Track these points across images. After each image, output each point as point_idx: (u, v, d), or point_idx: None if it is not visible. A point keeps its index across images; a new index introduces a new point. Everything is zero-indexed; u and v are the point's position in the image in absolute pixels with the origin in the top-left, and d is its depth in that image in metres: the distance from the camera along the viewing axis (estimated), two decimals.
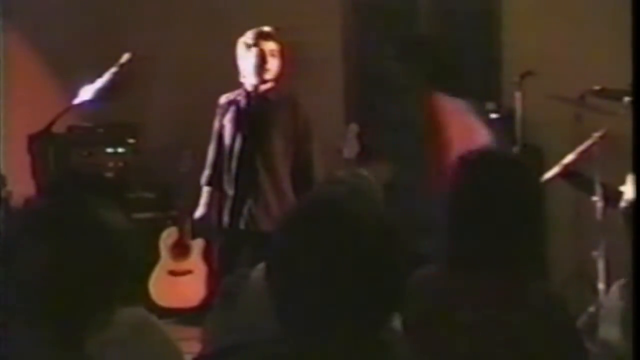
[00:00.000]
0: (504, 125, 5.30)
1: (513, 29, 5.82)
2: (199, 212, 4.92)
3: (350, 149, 5.35)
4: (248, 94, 4.74)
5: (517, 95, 5.19)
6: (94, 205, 1.80)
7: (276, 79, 4.73)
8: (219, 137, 4.79)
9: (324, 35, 6.19)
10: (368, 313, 1.52)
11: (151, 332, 2.01)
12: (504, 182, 2.14)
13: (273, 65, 4.71)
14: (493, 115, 5.52)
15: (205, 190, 4.89)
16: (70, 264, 1.72)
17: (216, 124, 4.80)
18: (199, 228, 5.36)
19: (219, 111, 4.80)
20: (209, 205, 4.85)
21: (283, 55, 4.74)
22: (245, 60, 4.71)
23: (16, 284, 1.72)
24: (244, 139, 4.67)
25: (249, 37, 4.72)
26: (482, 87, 5.95)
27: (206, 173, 4.87)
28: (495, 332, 2.05)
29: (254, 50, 4.68)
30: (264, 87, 4.71)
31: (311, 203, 1.63)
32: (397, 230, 1.57)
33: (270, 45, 4.71)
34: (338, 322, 1.51)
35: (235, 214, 4.69)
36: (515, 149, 5.07)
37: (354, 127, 5.45)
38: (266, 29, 4.76)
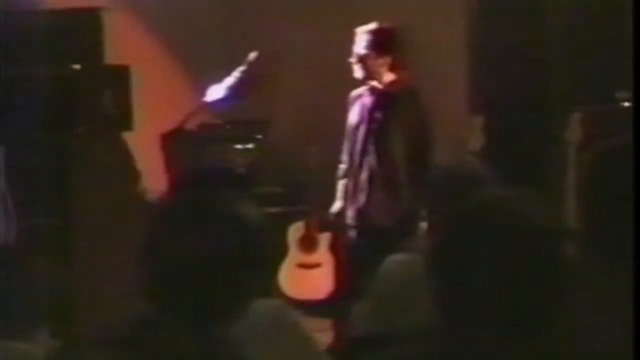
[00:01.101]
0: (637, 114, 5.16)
1: None
2: (335, 206, 4.96)
3: (476, 141, 5.33)
4: (372, 89, 4.78)
5: None
6: (229, 198, 1.85)
7: (399, 74, 4.75)
8: (349, 132, 4.86)
9: (449, 27, 6.16)
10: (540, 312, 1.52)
11: (290, 324, 2.06)
12: None
13: (393, 62, 4.73)
14: (624, 104, 5.40)
15: (341, 184, 4.94)
16: (208, 256, 1.77)
17: (348, 119, 4.87)
18: (327, 221, 5.42)
19: (349, 106, 4.87)
20: (345, 198, 4.90)
21: (406, 50, 4.75)
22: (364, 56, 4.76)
23: (159, 276, 1.80)
24: (366, 134, 4.72)
25: (368, 34, 4.75)
26: (613, 75, 5.81)
27: (341, 167, 4.93)
28: None
29: (357, 49, 4.73)
30: (387, 81, 4.74)
31: (485, 202, 1.64)
32: (560, 231, 1.57)
33: (374, 43, 4.73)
34: (508, 320, 1.51)
35: (356, 206, 4.74)
36: None
37: (479, 119, 5.43)
38: (384, 25, 4.78)
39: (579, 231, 1.76)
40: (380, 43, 4.73)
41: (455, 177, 2.60)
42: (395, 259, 2.66)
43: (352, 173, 4.78)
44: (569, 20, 6.08)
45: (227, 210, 1.82)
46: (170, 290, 1.78)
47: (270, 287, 2.14)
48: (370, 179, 4.71)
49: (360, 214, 4.73)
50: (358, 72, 4.76)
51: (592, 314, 1.75)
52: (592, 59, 5.82)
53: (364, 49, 4.74)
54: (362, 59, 4.73)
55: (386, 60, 4.72)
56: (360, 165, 4.73)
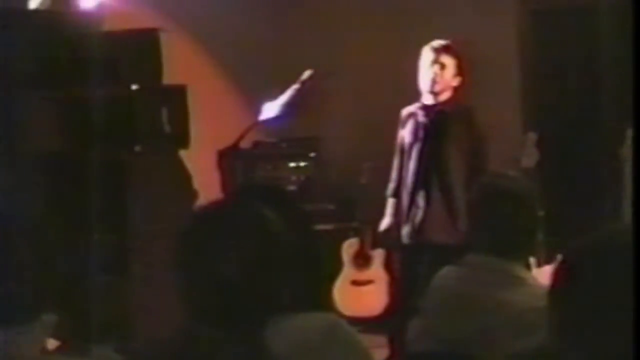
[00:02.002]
0: None
1: None
2: (384, 223, 4.99)
3: (529, 158, 5.31)
4: (425, 107, 4.80)
5: None
6: (257, 208, 1.86)
7: (453, 92, 4.77)
8: (401, 150, 4.87)
9: (501, 44, 6.16)
10: None
11: (343, 336, 2.07)
12: None
13: (451, 78, 4.75)
14: None
15: (390, 202, 4.96)
16: (232, 264, 1.78)
17: (398, 137, 4.89)
18: (380, 238, 5.44)
19: (400, 124, 4.88)
20: (394, 216, 4.93)
21: (461, 67, 4.76)
22: (424, 73, 4.78)
23: (195, 290, 1.82)
24: (420, 152, 4.73)
25: (428, 50, 4.78)
26: None
27: (391, 185, 4.95)
28: None
29: (432, 64, 4.74)
30: (441, 100, 4.76)
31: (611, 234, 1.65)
32: None
33: (449, 59, 4.74)
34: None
35: (410, 225, 4.76)
36: None
37: (532, 135, 5.41)
38: (443, 42, 4.80)
39: None
40: (460, 61, 4.74)
41: (503, 194, 2.61)
42: (446, 274, 2.67)
43: (406, 191, 4.79)
44: (622, 34, 6.04)
45: (251, 218, 1.83)
46: (206, 304, 1.80)
47: (319, 302, 2.16)
48: (427, 197, 4.72)
49: (417, 231, 4.74)
50: (429, 86, 4.73)
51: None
52: None
53: (444, 62, 4.73)
54: (441, 73, 4.73)
55: (458, 80, 4.73)
56: (416, 183, 4.75)
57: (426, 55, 4.77)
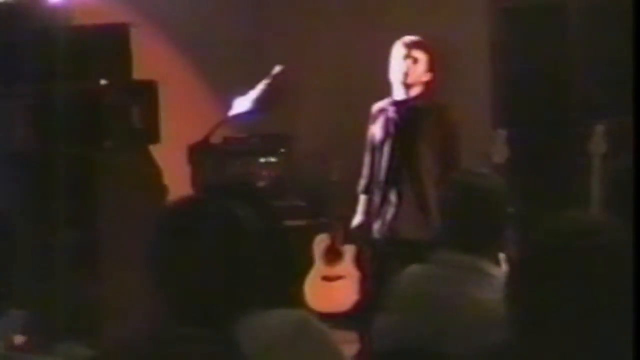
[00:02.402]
0: None
1: None
2: (356, 220, 4.99)
3: (500, 154, 5.34)
4: (396, 103, 4.80)
5: None
6: (227, 205, 1.86)
7: (424, 88, 4.78)
8: (372, 146, 4.87)
9: (471, 41, 6.18)
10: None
11: (313, 332, 2.08)
12: None
13: (422, 73, 4.75)
14: None
15: (362, 199, 4.97)
16: (202, 261, 1.79)
17: (369, 133, 4.89)
18: (352, 234, 5.45)
19: (370, 120, 4.88)
20: (366, 212, 4.93)
21: (432, 63, 4.77)
22: (395, 67, 4.78)
23: (163, 281, 1.82)
24: (391, 149, 4.74)
25: (399, 45, 4.78)
26: (636, 88, 5.81)
27: (362, 182, 4.95)
28: None
29: (404, 58, 4.74)
30: (412, 95, 4.77)
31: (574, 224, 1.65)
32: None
33: (421, 54, 4.75)
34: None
35: (382, 221, 4.76)
36: None
37: (502, 132, 5.44)
38: (414, 38, 4.81)
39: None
40: (431, 56, 4.74)
41: (473, 191, 2.62)
42: (415, 271, 2.68)
43: (378, 187, 4.79)
44: (592, 33, 6.09)
45: (221, 215, 1.83)
46: (176, 301, 1.80)
47: (291, 299, 2.16)
48: (399, 193, 4.72)
49: (388, 228, 4.75)
50: (401, 79, 4.73)
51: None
52: (615, 72, 5.82)
53: (416, 57, 4.74)
54: (413, 68, 4.73)
55: (429, 75, 4.74)
56: (387, 179, 4.75)
57: (398, 50, 4.77)
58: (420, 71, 4.74)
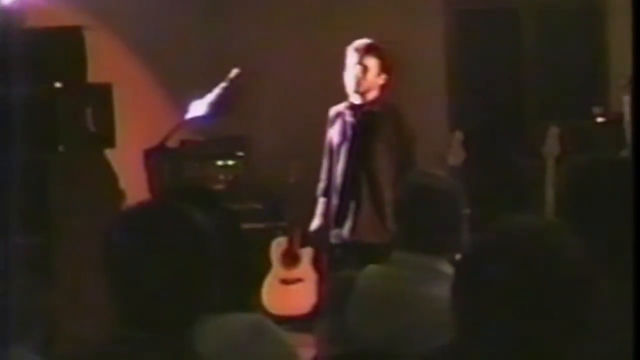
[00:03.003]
0: (611, 130, 5.24)
1: (619, 29, 5.74)
2: (315, 223, 4.99)
3: (456, 156, 5.38)
4: (353, 107, 4.81)
5: (626, 99, 5.12)
6: (184, 209, 1.85)
7: (380, 91, 4.79)
8: (330, 150, 4.88)
9: (427, 43, 6.22)
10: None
11: (269, 336, 2.07)
12: None
13: (375, 79, 4.76)
14: (599, 119, 5.47)
15: (321, 202, 4.97)
16: (158, 265, 1.78)
17: (327, 137, 4.90)
18: (310, 238, 5.45)
19: (328, 123, 4.89)
20: (324, 215, 4.93)
21: (385, 66, 4.78)
22: (348, 74, 4.79)
23: (117, 285, 1.81)
24: (349, 152, 4.75)
25: (351, 51, 4.79)
26: (589, 91, 5.89)
27: (321, 185, 4.95)
28: None
29: (355, 65, 4.75)
30: (368, 99, 4.78)
31: (513, 232, 1.66)
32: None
33: (372, 60, 4.75)
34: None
35: (339, 224, 4.77)
36: (624, 153, 5.01)
37: (459, 135, 5.48)
38: (368, 41, 4.82)
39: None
40: (384, 60, 4.75)
41: (428, 192, 2.63)
42: (370, 273, 2.68)
43: (335, 191, 4.80)
44: (546, 37, 6.16)
45: (174, 219, 1.83)
46: (132, 305, 1.79)
47: (247, 303, 2.15)
48: (356, 196, 4.73)
49: (346, 231, 4.76)
50: (354, 87, 4.74)
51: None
52: (568, 75, 5.90)
53: (366, 64, 4.74)
54: (364, 75, 4.73)
55: (383, 78, 4.75)
56: (345, 183, 4.76)
57: (350, 56, 4.78)
58: (372, 77, 4.75)
